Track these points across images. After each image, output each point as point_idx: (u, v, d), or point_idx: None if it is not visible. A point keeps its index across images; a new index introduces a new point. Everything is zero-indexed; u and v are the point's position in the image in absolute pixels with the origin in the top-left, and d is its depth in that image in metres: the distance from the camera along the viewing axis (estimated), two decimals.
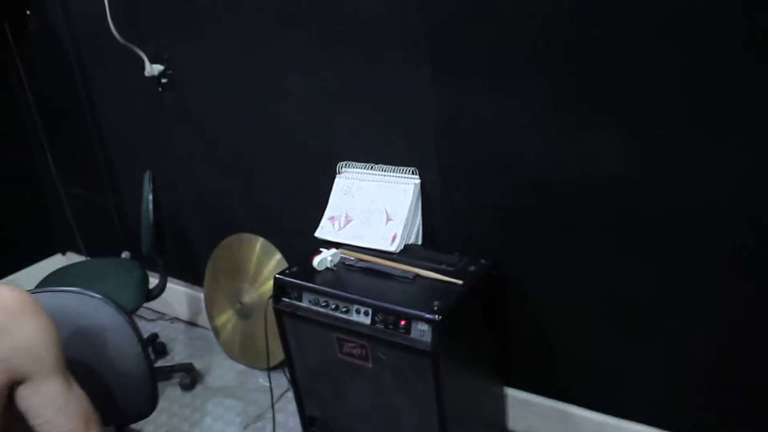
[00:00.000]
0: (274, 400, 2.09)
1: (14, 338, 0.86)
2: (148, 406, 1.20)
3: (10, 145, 2.80)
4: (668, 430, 1.55)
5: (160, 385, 2.31)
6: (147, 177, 1.99)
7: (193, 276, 2.51)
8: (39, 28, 2.48)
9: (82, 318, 1.15)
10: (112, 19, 1.99)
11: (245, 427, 2.04)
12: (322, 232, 1.77)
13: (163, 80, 2.11)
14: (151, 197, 1.95)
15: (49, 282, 2.14)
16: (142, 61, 2.06)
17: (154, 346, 2.50)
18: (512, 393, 1.79)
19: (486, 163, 1.55)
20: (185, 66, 2.07)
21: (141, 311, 2.68)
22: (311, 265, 1.60)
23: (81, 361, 1.11)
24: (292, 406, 1.82)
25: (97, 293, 1.16)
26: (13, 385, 0.89)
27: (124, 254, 2.59)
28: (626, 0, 1.23)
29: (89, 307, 1.15)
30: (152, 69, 2.07)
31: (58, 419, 0.92)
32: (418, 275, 1.53)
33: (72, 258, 3.05)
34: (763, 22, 1.11)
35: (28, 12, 2.46)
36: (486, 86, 1.47)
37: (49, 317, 0.92)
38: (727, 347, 1.38)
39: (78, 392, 0.96)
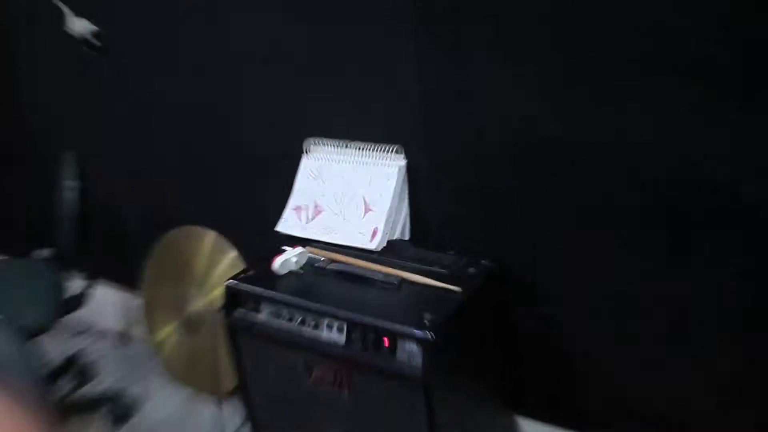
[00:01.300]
0: None
1: None
2: None
3: None
4: None
5: (85, 419, 2.07)
6: (68, 159, 1.81)
7: (128, 279, 2.32)
8: None
9: None
10: None
11: None
12: (286, 225, 1.63)
13: (94, 41, 1.90)
14: (73, 184, 1.77)
15: None
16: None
17: (79, 369, 2.21)
18: (524, 423, 1.65)
19: (487, 140, 1.42)
20: (121, 26, 1.89)
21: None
22: (272, 267, 1.46)
23: None
24: None
25: None
26: None
27: (39, 253, 2.33)
28: None
29: None
30: (76, 25, 1.84)
31: None
32: (404, 280, 1.40)
33: None
34: None
35: None
36: (485, 44, 1.34)
37: None
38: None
39: None
